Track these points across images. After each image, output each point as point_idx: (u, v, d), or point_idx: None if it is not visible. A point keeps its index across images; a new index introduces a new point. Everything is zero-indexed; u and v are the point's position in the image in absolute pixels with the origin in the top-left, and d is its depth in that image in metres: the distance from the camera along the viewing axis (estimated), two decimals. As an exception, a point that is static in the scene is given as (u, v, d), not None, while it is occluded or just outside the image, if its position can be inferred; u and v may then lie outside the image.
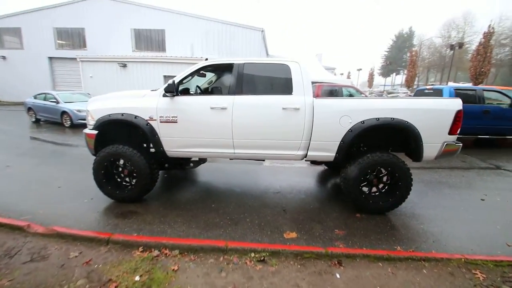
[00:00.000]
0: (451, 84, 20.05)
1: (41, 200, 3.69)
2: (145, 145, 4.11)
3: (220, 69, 4.29)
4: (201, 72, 4.01)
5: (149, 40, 20.34)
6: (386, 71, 66.83)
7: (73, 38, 21.22)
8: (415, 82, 43.17)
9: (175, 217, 3.26)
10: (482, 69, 22.63)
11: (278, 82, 3.56)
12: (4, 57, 21.61)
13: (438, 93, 7.60)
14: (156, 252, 2.48)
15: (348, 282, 2.17)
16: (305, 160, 3.69)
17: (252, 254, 2.46)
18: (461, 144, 3.42)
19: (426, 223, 3.27)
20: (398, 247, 2.69)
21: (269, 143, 3.47)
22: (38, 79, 20.68)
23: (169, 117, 3.49)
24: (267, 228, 3.03)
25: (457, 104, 3.31)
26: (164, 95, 3.52)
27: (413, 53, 40.49)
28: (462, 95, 7.14)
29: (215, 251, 2.52)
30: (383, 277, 2.23)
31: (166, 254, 2.47)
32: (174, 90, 3.39)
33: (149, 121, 3.50)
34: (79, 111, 9.97)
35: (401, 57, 64.67)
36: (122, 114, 3.51)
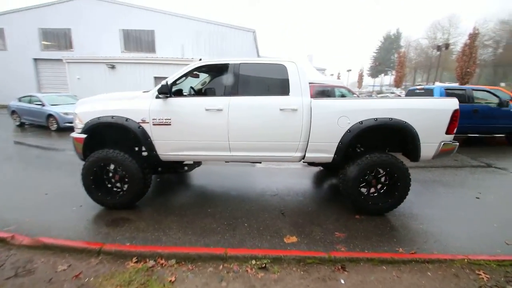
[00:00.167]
0: (438, 84, 20.47)
1: (26, 209, 3.48)
2: (137, 148, 3.96)
3: (215, 70, 4.18)
4: (194, 72, 3.90)
5: (138, 41, 19.98)
6: (375, 71, 67.96)
7: (59, 39, 20.62)
8: (403, 83, 44.00)
9: (169, 224, 3.13)
10: (468, 69, 23.26)
11: (274, 83, 3.48)
12: (-15, 59, 20.80)
13: (429, 93, 7.70)
14: (151, 262, 2.35)
15: (353, 288, 2.10)
16: (303, 162, 3.63)
17: (253, 261, 2.36)
18: (457, 144, 3.43)
19: (425, 223, 3.25)
20: (400, 248, 2.65)
21: (266, 145, 3.39)
22: (22, 81, 19.96)
23: (162, 119, 3.36)
24: (267, 233, 2.94)
25: (453, 103, 3.31)
26: (157, 97, 3.39)
27: (401, 54, 41.30)
28: (453, 94, 7.26)
29: (214, 259, 2.41)
30: (388, 281, 2.17)
31: (162, 264, 2.34)
32: (167, 91, 3.27)
33: (141, 124, 3.36)
34: (66, 114, 9.64)
35: (389, 58, 65.87)
36: (113, 117, 3.36)
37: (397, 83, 40.69)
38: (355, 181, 3.30)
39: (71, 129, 3.80)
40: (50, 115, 9.97)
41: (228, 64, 3.49)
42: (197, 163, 4.17)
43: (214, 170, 5.28)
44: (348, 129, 3.26)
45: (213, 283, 2.16)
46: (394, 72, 46.58)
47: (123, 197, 3.45)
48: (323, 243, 2.75)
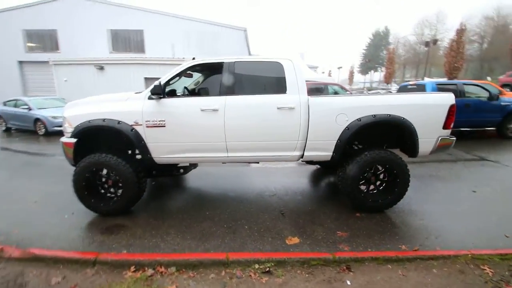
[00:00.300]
0: (427, 79, 20.81)
1: (15, 218, 3.33)
2: (130, 152, 3.84)
3: (209, 69, 4.08)
4: (188, 72, 3.80)
5: (127, 41, 19.60)
6: (365, 68, 68.73)
7: (44, 40, 20.04)
8: (393, 79, 44.61)
9: (167, 229, 3.03)
10: (456, 64, 23.71)
11: (271, 81, 3.42)
12: (-32, 63, 20.05)
13: (421, 88, 7.76)
14: (150, 271, 2.25)
15: (359, 289, 2.06)
16: (302, 161, 3.58)
17: (256, 266, 2.29)
18: (455, 138, 3.44)
19: (425, 218, 3.24)
20: (403, 245, 2.62)
21: (264, 144, 3.32)
22: (7, 85, 19.30)
23: (156, 121, 3.25)
24: (268, 235, 2.88)
25: (450, 98, 3.32)
26: (149, 98, 3.28)
27: (391, 50, 41.83)
28: (444, 89, 7.34)
29: (216, 265, 2.33)
30: (394, 280, 2.14)
31: (161, 272, 2.25)
32: (160, 92, 3.16)
33: (134, 126, 3.24)
34: (54, 117, 9.35)
35: (378, 54, 66.68)
36: (104, 120, 3.23)
37: (387, 80, 41.20)
38: (355, 178, 3.27)
39: (60, 134, 3.64)
40: (37, 119, 9.66)
41: (223, 62, 3.41)
42: (193, 165, 4.08)
43: (210, 171, 5.18)
44: (347, 127, 3.22)
45: (216, 290, 2.08)
46: (383, 69, 47.18)
47: (117, 203, 3.33)
48: (326, 243, 2.70)
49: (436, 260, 2.35)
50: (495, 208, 3.50)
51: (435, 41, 26.44)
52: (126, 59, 16.06)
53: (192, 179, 4.80)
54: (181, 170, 3.96)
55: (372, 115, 3.20)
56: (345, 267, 2.28)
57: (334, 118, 3.22)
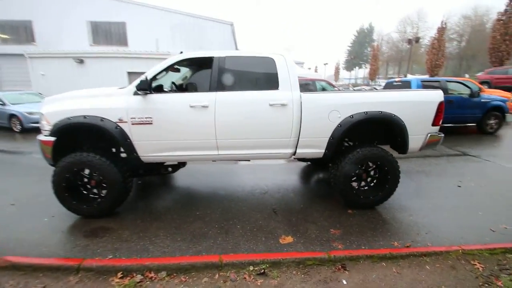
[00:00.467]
0: (410, 76, 21.36)
1: (-12, 223, 3.09)
2: (114, 150, 3.65)
3: (198, 64, 3.94)
4: (175, 67, 3.64)
5: (108, 34, 18.82)
6: (350, 65, 69.80)
7: (18, 32, 18.91)
8: (377, 76, 45.59)
9: (156, 231, 2.91)
10: (437, 62, 24.49)
11: (263, 77, 3.33)
12: None
13: (406, 85, 7.92)
14: (139, 277, 2.14)
15: (355, 288, 2.05)
16: (294, 158, 3.53)
17: (251, 267, 2.23)
18: (443, 135, 3.50)
19: (414, 214, 3.29)
20: (395, 242, 2.64)
21: (256, 142, 3.24)
22: (-23, 79, 18.15)
23: (142, 118, 3.09)
24: (261, 234, 2.82)
25: (439, 95, 3.36)
26: (135, 93, 3.11)
27: (375, 47, 42.63)
28: (429, 86, 7.52)
29: (209, 268, 2.24)
30: (389, 278, 2.14)
31: (151, 278, 2.14)
32: (147, 87, 3.00)
33: (118, 124, 3.06)
34: (30, 113, 8.84)
35: (362, 51, 67.86)
36: (85, 117, 3.03)
37: (372, 76, 42.06)
38: (347, 176, 3.26)
39: (38, 130, 3.40)
40: (12, 115, 9.09)
41: (213, 57, 3.28)
42: (182, 164, 3.94)
43: (199, 169, 5.05)
44: (339, 124, 3.20)
45: (209, 294, 2.00)
46: (368, 65, 48.05)
47: (101, 204, 3.16)
48: (320, 241, 2.67)
49: (428, 256, 2.38)
50: (479, 202, 3.60)
51: (417, 39, 27.16)
52: (108, 53, 15.42)
53: (181, 177, 4.66)
54: (169, 169, 3.82)
55: (364, 112, 3.19)
56: (340, 266, 2.26)
57: (326, 115, 3.19)
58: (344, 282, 2.10)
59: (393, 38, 54.86)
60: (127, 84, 3.28)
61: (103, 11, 18.07)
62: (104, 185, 3.14)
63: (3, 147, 7.07)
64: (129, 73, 14.82)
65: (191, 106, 3.10)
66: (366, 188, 3.47)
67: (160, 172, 3.79)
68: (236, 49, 24.57)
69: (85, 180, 3.22)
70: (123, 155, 3.39)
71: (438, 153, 6.14)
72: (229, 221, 3.12)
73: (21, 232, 2.89)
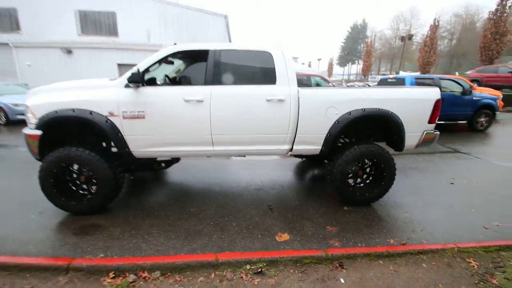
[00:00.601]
0: (402, 73, 21.56)
1: (-29, 220, 2.95)
2: (104, 144, 3.53)
3: (193, 56, 3.81)
4: (169, 59, 3.51)
5: (97, 24, 18.20)
6: (344, 61, 69.98)
7: (2, 19, 18.05)
8: (370, 72, 45.89)
9: (148, 228, 2.83)
10: (429, 59, 24.77)
11: (260, 71, 3.25)
12: None
13: (400, 82, 7.97)
14: (132, 277, 2.07)
15: (353, 287, 2.03)
16: (290, 154, 3.49)
17: (248, 266, 2.18)
18: (438, 133, 3.51)
19: (409, 211, 3.30)
20: (391, 239, 2.64)
21: (252, 138, 3.18)
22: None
23: (134, 112, 2.97)
24: (257, 232, 2.77)
25: (436, 93, 3.36)
26: (126, 86, 2.98)
27: (369, 43, 42.80)
28: (422, 83, 7.57)
29: (205, 267, 2.19)
30: (386, 276, 2.13)
31: (144, 277, 2.07)
32: (139, 79, 2.87)
33: (109, 117, 2.94)
34: (16, 105, 8.52)
35: (356, 47, 68.06)
36: (74, 110, 2.89)
37: (364, 72, 42.31)
38: (344, 173, 3.24)
39: (24, 123, 3.24)
40: (-4, 107, 8.74)
41: (208, 50, 3.17)
42: (175, 159, 3.84)
43: (193, 164, 4.96)
44: (337, 120, 3.16)
45: (205, 294, 1.95)
46: (360, 62, 48.26)
47: (91, 201, 3.05)
48: (316, 238, 2.65)
49: (424, 254, 2.39)
50: (472, 199, 3.65)
51: (410, 36, 27.38)
52: (97, 43, 14.94)
53: (174, 173, 4.56)
54: (163, 164, 3.72)
55: (362, 109, 3.15)
56: (338, 264, 2.24)
57: (324, 111, 3.14)
58: (342, 280, 2.08)
59: (386, 34, 55.23)
60: (117, 76, 3.15)
61: (92, 0, 17.44)
62: (94, 181, 3.03)
63: (-14, 140, 6.79)
64: (119, 65, 14.43)
65: (186, 100, 3.00)
66: (362, 185, 3.46)
67: (153, 168, 3.68)
68: (230, 42, 24.24)
69: (74, 175, 3.09)
70: (114, 150, 3.28)
71: (431, 150, 6.21)
72: (224, 218, 3.06)
73: (6, 229, 2.76)
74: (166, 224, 2.90)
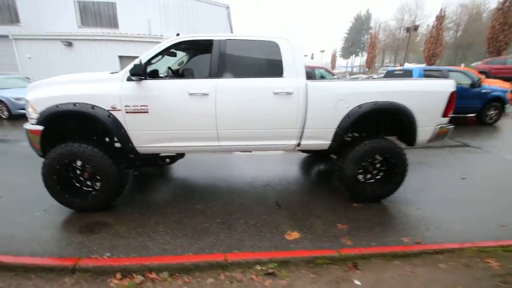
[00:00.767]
0: (407, 65, 21.17)
1: (-26, 218, 2.89)
2: (107, 139, 3.44)
3: (196, 47, 3.67)
4: (171, 50, 3.39)
5: (97, 15, 17.90)
6: (347, 53, 69.00)
7: (1, 11, 17.80)
8: (373, 64, 45.20)
9: (155, 226, 2.76)
10: (435, 51, 24.28)
11: (266, 63, 3.12)
12: None
13: (408, 74, 7.76)
14: (139, 278, 2.00)
15: (369, 289, 1.95)
16: (298, 150, 3.38)
17: (258, 267, 2.11)
18: (452, 126, 3.39)
19: (421, 208, 3.21)
20: (405, 238, 2.56)
21: (258, 132, 3.07)
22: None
23: (137, 106, 2.86)
24: (265, 229, 2.70)
25: (451, 85, 3.21)
26: (128, 79, 2.87)
27: (373, 34, 42.03)
28: (430, 75, 7.38)
29: (214, 268, 2.12)
30: (404, 277, 2.05)
31: (152, 278, 2.01)
32: (141, 72, 2.75)
33: (111, 112, 2.84)
34: (17, 99, 8.42)
35: (359, 39, 66.96)
36: (75, 104, 2.79)
37: (369, 64, 41.70)
38: (354, 168, 3.14)
39: (26, 117, 3.15)
40: (-2, 101, 8.66)
41: (213, 40, 3.04)
42: (180, 155, 3.75)
43: (198, 159, 4.88)
44: (347, 114, 3.04)
45: (215, 297, 1.88)
46: (364, 53, 47.54)
47: (96, 197, 2.98)
48: (327, 237, 2.57)
49: (441, 254, 2.30)
50: (486, 196, 3.55)
51: (416, 27, 26.79)
52: (98, 35, 14.67)
53: (179, 168, 4.48)
54: (167, 160, 3.62)
55: (373, 102, 3.03)
56: (352, 265, 2.16)
57: (334, 104, 3.02)
58: (357, 282, 2.00)
59: (390, 26, 54.18)
60: (119, 69, 3.03)
61: (91, -10, 17.12)
62: (98, 177, 2.95)
63: (-11, 135, 6.74)
64: (120, 57, 14.21)
65: (190, 94, 2.89)
66: (372, 181, 3.36)
67: (158, 164, 3.59)
68: (232, 33, 23.84)
69: (78, 172, 3.02)
70: (117, 145, 3.19)
71: (440, 144, 6.04)
72: (231, 215, 2.99)
73: (10, 228, 2.70)
74: (173, 222, 2.83)
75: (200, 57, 3.95)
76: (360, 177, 3.29)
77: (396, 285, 1.97)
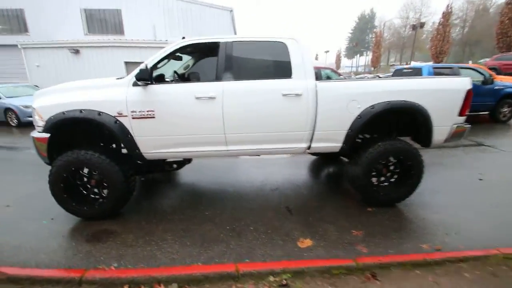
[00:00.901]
0: (414, 63, 20.86)
1: (-18, 227, 2.87)
2: (114, 146, 3.40)
3: (202, 50, 3.62)
4: (177, 54, 3.34)
5: (103, 22, 18.14)
6: (351, 52, 68.55)
7: (10, 21, 18.18)
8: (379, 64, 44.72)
9: (162, 234, 2.69)
10: (442, 48, 23.86)
11: (274, 64, 3.05)
12: None
13: (417, 72, 7.59)
14: (147, 290, 1.93)
15: (389, 301, 1.84)
16: (307, 153, 3.28)
17: (271, 278, 2.01)
18: (469, 126, 3.25)
19: (439, 211, 3.07)
20: (424, 245, 2.43)
21: (267, 136, 2.98)
22: (-30, 71, 17.58)
23: (143, 111, 2.81)
24: (277, 237, 2.60)
25: (467, 83, 3.08)
26: (134, 84, 2.82)
27: (378, 33, 41.64)
28: (441, 73, 7.19)
29: (224, 279, 2.02)
30: (426, 288, 1.93)
31: (161, 291, 1.93)
32: (147, 77, 2.71)
33: (118, 118, 2.79)
34: (26, 107, 8.51)
35: (364, 38, 66.48)
36: (81, 111, 2.75)
37: (374, 64, 41.28)
38: (368, 171, 3.02)
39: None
40: (8, 109, 8.80)
41: (219, 42, 2.98)
42: (187, 160, 3.68)
43: (205, 164, 4.81)
44: (359, 115, 2.93)
45: (227, 310, 1.79)
46: (369, 53, 47.11)
47: (103, 205, 2.93)
48: (342, 244, 2.46)
49: (465, 262, 2.16)
50: (505, 197, 3.38)
51: (422, 25, 26.40)
52: (104, 42, 14.86)
53: (186, 173, 4.42)
54: (174, 165, 3.55)
55: (386, 102, 2.91)
56: (370, 275, 2.04)
57: (345, 105, 2.92)
58: (377, 294, 1.89)
59: (395, 24, 53.62)
60: (125, 75, 3.00)
61: (97, -2, 17.36)
62: (105, 184, 2.90)
63: (-2, 142, 6.82)
64: (127, 63, 14.35)
65: (197, 98, 2.83)
66: (386, 184, 3.23)
67: (165, 169, 3.53)
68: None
69: (85, 179, 2.97)
70: (124, 151, 3.15)
71: (453, 143, 5.84)
72: (241, 221, 2.90)
73: (18, 237, 2.67)
74: (181, 230, 2.75)
75: (206, 60, 3.90)
76: (374, 180, 3.16)
77: (419, 297, 1.85)
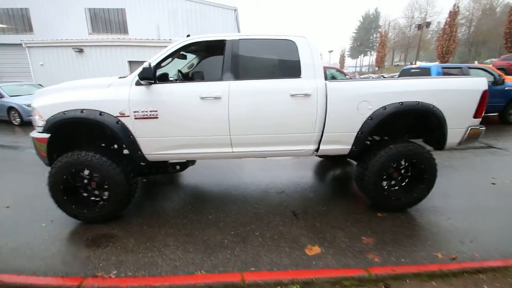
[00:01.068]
0: (419, 63, 20.56)
1: (-20, 230, 2.80)
2: (116, 146, 3.32)
3: (208, 48, 3.52)
4: (181, 52, 3.24)
5: (107, 21, 18.16)
6: (355, 52, 68.13)
7: (15, 20, 18.28)
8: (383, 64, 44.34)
9: (164, 238, 2.59)
10: (449, 48, 23.54)
11: (282, 63, 2.93)
12: None
13: (425, 72, 7.42)
14: (148, 301, 1.83)
15: (405, 316, 1.72)
16: (316, 155, 3.17)
17: (279, 289, 1.91)
18: (484, 128, 3.11)
19: (452, 217, 2.94)
20: (439, 253, 2.30)
21: (274, 137, 2.87)
22: (-25, 70, 17.70)
23: (146, 111, 2.72)
24: (283, 243, 2.49)
25: (482, 83, 2.94)
26: (137, 83, 2.73)
27: (383, 33, 41.29)
28: (449, 73, 7.02)
29: (229, 290, 1.92)
30: (444, 302, 1.81)
31: (163, 302, 1.83)
32: (151, 76, 2.61)
33: (120, 118, 2.70)
34: (29, 105, 8.46)
35: (368, 38, 66.04)
36: (82, 111, 2.66)
37: (378, 64, 40.94)
38: (379, 175, 2.90)
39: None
40: (11, 108, 8.79)
41: (225, 40, 2.87)
42: (190, 161, 3.59)
43: (209, 165, 4.71)
44: (369, 116, 2.81)
45: (232, 324, 1.69)
46: (373, 53, 46.72)
47: (104, 208, 2.83)
48: (352, 252, 2.34)
49: (484, 273, 2.03)
50: (522, 203, 3.24)
51: (428, 24, 26.08)
52: (108, 41, 14.83)
53: (189, 175, 4.32)
54: (177, 167, 3.45)
55: (399, 103, 2.79)
56: (384, 287, 1.92)
57: (355, 106, 2.80)
58: (392, 308, 1.77)
59: (399, 23, 53.20)
60: (129, 74, 2.90)
61: (101, -3, 17.37)
62: (106, 186, 2.81)
63: (1, 142, 6.78)
64: (130, 62, 14.32)
65: (202, 98, 2.72)
66: (397, 188, 3.10)
67: (167, 171, 3.44)
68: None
69: (85, 181, 2.88)
70: (126, 152, 3.06)
71: (463, 145, 5.71)
72: (246, 226, 2.79)
73: (16, 240, 2.59)
74: (183, 235, 2.65)
75: (211, 58, 3.80)
76: (384, 184, 3.04)
77: (438, 312, 1.73)
